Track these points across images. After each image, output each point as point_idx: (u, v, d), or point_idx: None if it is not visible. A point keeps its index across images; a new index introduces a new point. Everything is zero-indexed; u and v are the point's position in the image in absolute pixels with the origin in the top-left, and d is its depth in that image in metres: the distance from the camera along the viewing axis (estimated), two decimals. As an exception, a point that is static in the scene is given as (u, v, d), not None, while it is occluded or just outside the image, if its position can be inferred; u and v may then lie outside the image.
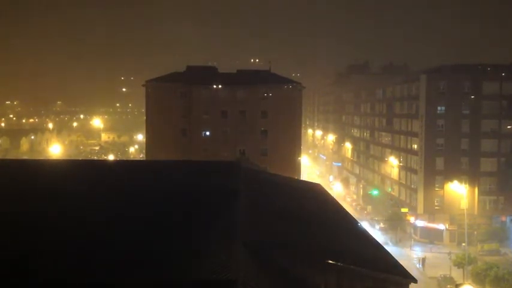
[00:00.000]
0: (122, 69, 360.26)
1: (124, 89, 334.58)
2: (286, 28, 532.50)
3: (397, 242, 70.54)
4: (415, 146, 78.07)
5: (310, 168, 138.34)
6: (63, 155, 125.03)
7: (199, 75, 64.57)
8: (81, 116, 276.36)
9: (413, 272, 16.93)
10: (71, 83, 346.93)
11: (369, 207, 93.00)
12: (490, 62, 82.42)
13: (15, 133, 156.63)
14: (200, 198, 15.69)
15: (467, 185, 69.65)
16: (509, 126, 74.44)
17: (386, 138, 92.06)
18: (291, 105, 62.91)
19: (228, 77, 66.13)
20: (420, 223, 74.57)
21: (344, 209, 23.26)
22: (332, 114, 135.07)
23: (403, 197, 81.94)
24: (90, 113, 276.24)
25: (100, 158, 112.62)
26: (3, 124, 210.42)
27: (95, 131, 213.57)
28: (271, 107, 62.85)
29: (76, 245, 11.79)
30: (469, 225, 64.30)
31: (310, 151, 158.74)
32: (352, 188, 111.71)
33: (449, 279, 55.09)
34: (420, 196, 75.01)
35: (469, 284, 48.79)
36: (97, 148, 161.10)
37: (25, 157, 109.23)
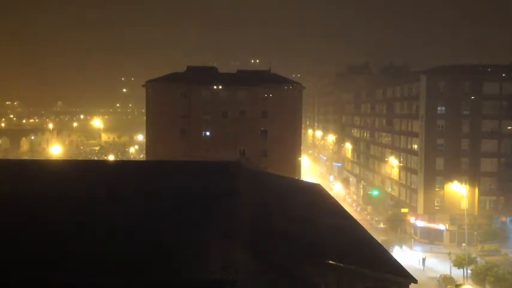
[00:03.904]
0: (122, 69, 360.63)
1: (124, 90, 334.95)
2: (286, 28, 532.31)
3: (400, 246, 70.22)
4: (415, 146, 78.10)
5: (310, 169, 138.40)
6: (63, 155, 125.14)
7: (199, 76, 64.61)
8: (82, 116, 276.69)
9: (414, 272, 16.89)
10: (71, 83, 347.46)
11: (369, 208, 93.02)
12: (490, 62, 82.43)
13: (15, 133, 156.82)
14: (200, 198, 15.69)
15: (467, 185, 69.65)
16: (509, 127, 74.43)
17: (386, 139, 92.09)
18: (291, 106, 62.94)
19: (228, 77, 66.18)
20: (420, 223, 74.58)
21: (344, 209, 23.25)
22: (332, 115, 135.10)
23: (403, 197, 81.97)
24: (90, 113, 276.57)
25: (100, 159, 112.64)
26: (3, 124, 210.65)
27: (95, 131, 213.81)
28: (271, 107, 62.89)
29: (76, 245, 11.78)
30: (469, 226, 64.32)
31: (310, 151, 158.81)
32: (352, 188, 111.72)
33: (449, 279, 55.10)
34: (420, 196, 75.04)
35: (469, 284, 48.80)
36: (97, 148, 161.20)
37: (25, 157, 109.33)
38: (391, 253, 61.71)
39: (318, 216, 19.74)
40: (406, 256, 65.49)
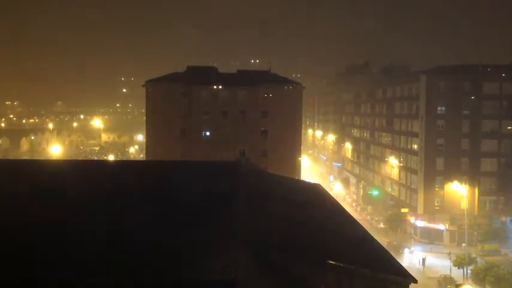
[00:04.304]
0: (122, 69, 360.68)
1: (124, 90, 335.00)
2: (286, 29, 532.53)
3: (409, 248, 70.14)
4: (415, 146, 78.11)
5: (310, 169, 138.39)
6: (63, 155, 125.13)
7: (199, 76, 64.58)
8: (81, 116, 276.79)
9: (414, 272, 16.90)
10: (71, 83, 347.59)
11: (369, 208, 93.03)
12: (490, 62, 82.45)
13: (15, 133, 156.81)
14: (200, 199, 15.68)
15: (467, 185, 69.65)
16: (509, 127, 74.45)
17: (386, 139, 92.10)
18: (291, 106, 62.95)
19: (228, 77, 66.16)
20: (420, 223, 74.59)
21: (344, 209, 23.23)
22: (332, 115, 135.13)
23: (403, 197, 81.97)
24: (90, 113, 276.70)
25: (100, 159, 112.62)
26: (3, 124, 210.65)
27: (95, 131, 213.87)
28: (271, 107, 62.90)
29: (76, 245, 11.79)
30: (469, 226, 64.31)
31: (310, 151, 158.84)
32: (352, 188, 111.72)
33: (449, 280, 55.10)
34: (420, 196, 75.04)
35: (469, 284, 48.80)
36: (97, 148, 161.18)
37: (25, 157, 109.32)
38: (401, 255, 62.00)
39: (318, 216, 19.75)
40: (406, 256, 65.54)
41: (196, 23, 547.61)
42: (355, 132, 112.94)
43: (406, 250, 68.39)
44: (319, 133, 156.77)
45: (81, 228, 12.82)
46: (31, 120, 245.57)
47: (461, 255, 57.58)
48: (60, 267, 10.73)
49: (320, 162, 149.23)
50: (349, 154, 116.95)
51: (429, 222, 74.19)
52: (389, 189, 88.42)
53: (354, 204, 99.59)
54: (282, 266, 12.37)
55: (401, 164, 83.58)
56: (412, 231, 75.50)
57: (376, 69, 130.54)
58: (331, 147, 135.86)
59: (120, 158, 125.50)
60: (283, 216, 16.97)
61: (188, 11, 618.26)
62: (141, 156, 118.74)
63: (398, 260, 16.44)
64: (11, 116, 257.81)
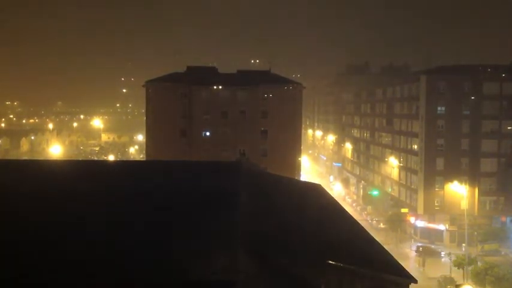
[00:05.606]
0: (122, 70, 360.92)
1: (124, 90, 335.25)
2: (286, 29, 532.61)
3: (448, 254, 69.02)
4: (415, 147, 78.08)
5: (310, 169, 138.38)
6: (63, 155, 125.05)
7: (200, 76, 64.62)
8: (82, 117, 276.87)
9: (413, 272, 16.90)
10: (71, 83, 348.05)
11: (369, 208, 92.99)
12: (490, 62, 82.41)
13: (15, 133, 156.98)
14: (200, 199, 15.68)
15: (467, 186, 69.61)
16: (509, 127, 74.44)
17: (386, 139, 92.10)
18: (291, 106, 62.98)
19: (228, 78, 66.19)
20: (420, 223, 74.59)
21: (344, 209, 23.23)
22: (332, 115, 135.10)
23: (403, 198, 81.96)
24: (90, 113, 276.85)
25: (100, 159, 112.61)
26: (3, 124, 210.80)
27: (95, 131, 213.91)
28: (271, 107, 62.93)
29: (76, 245, 11.79)
30: (469, 226, 64.28)
31: (310, 151, 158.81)
32: (352, 188, 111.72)
33: (449, 280, 55.07)
34: (420, 196, 75.02)
35: (469, 284, 48.79)
36: (97, 148, 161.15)
37: (25, 157, 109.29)
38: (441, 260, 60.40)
39: (318, 216, 19.75)
40: (406, 256, 65.43)
41: (196, 23, 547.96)
42: (355, 132, 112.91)
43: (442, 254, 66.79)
44: (319, 133, 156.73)
45: (81, 228, 12.82)
46: (31, 120, 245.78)
47: (461, 255, 57.57)
48: (60, 267, 10.73)
49: (320, 162, 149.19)
50: (349, 154, 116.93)
51: (429, 222, 74.18)
52: (389, 190, 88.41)
53: (354, 205, 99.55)
54: (282, 266, 12.36)
55: (401, 164, 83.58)
56: (412, 232, 75.48)
57: (376, 69, 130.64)
58: (331, 147, 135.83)
59: (120, 158, 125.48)
60: (283, 216, 16.97)
61: (188, 11, 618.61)
62: (141, 157, 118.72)
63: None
64: (11, 116, 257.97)
